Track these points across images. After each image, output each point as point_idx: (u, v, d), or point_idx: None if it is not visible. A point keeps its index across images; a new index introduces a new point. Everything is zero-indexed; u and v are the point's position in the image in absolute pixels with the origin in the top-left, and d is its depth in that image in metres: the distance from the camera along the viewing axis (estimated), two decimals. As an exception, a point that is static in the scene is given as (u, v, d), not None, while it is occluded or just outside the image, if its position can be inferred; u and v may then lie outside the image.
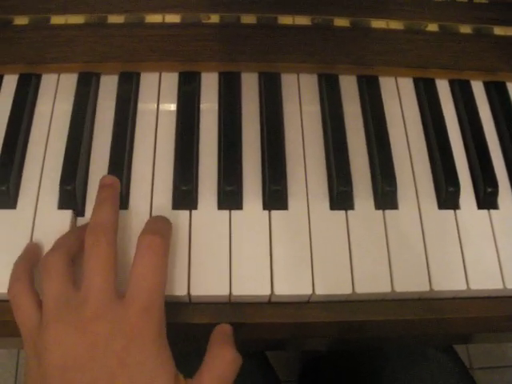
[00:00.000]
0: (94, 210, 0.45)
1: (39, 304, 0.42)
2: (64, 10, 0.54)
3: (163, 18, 0.55)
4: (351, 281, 0.49)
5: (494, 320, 0.51)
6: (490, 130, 0.57)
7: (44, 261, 0.43)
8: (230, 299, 0.48)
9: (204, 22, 0.56)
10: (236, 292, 0.47)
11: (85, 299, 0.40)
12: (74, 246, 0.44)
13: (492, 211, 0.53)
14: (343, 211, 0.51)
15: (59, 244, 0.45)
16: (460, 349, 1.14)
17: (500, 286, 0.50)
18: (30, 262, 0.45)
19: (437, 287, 0.49)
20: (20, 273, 0.44)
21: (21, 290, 0.43)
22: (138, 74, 0.56)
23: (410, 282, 0.49)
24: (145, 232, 0.44)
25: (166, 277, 0.43)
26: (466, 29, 0.57)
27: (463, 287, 0.50)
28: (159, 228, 0.46)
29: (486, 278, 0.50)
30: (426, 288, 0.49)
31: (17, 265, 0.45)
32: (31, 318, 0.41)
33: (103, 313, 0.39)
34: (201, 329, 0.48)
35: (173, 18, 0.56)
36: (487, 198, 0.53)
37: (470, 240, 0.51)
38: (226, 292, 0.47)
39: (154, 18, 0.55)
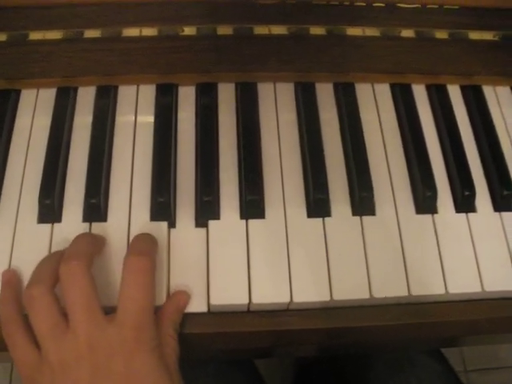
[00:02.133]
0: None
1: (35, 340, 0.42)
2: (41, 26, 0.55)
3: (140, 32, 0.56)
4: (329, 288, 0.49)
5: (474, 323, 0.51)
6: (466, 133, 0.57)
7: (28, 296, 0.43)
8: (208, 309, 0.48)
9: (180, 34, 0.56)
10: (214, 301, 0.48)
11: (75, 333, 0.41)
12: (54, 274, 0.44)
13: (470, 214, 0.53)
14: (320, 218, 0.51)
15: (39, 275, 0.44)
16: (454, 352, 1.14)
17: (478, 289, 0.50)
18: (16, 295, 0.45)
19: (415, 292, 0.50)
20: (9, 311, 0.44)
21: (15, 329, 0.43)
22: (116, 87, 0.57)
23: (389, 288, 0.49)
24: (130, 253, 0.45)
25: (154, 294, 0.44)
26: (441, 34, 0.58)
27: (441, 291, 0.50)
28: (144, 247, 0.47)
29: (464, 282, 0.50)
30: (405, 293, 0.49)
31: (3, 302, 0.45)
32: (29, 357, 0.42)
33: (96, 341, 0.40)
34: (181, 339, 0.48)
35: (149, 32, 0.56)
36: (464, 202, 0.53)
37: (448, 244, 0.52)
38: (204, 302, 0.48)
39: (130, 32, 0.56)
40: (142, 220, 0.50)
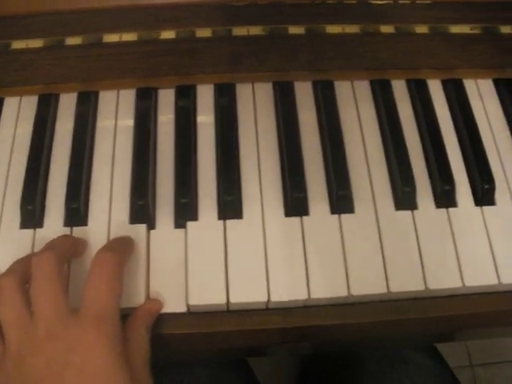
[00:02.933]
0: None
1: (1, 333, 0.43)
2: (23, 35, 0.56)
3: (119, 37, 0.57)
4: (307, 286, 0.49)
5: (455, 318, 0.51)
6: (447, 127, 0.57)
7: None
8: (188, 309, 0.49)
9: (159, 38, 0.57)
10: (192, 302, 0.48)
11: (36, 322, 0.41)
12: (28, 269, 0.44)
13: (450, 209, 0.53)
14: (298, 217, 0.51)
15: (12, 267, 0.45)
16: (459, 346, 1.13)
17: (459, 285, 0.50)
18: None
19: (394, 289, 0.49)
20: None
21: None
22: (97, 93, 0.57)
23: (367, 285, 0.49)
24: (100, 249, 0.46)
25: (119, 289, 0.44)
26: (421, 29, 0.57)
27: (421, 287, 0.50)
28: (115, 245, 0.48)
29: (444, 278, 0.50)
30: (384, 290, 0.49)
31: None
32: None
33: (55, 331, 0.41)
34: (162, 339, 0.49)
35: (128, 37, 0.57)
36: (444, 197, 0.53)
37: (428, 240, 0.51)
38: (183, 302, 0.48)
39: (110, 38, 0.57)
40: (121, 223, 0.51)
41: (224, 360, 0.66)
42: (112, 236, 0.51)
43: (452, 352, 1.11)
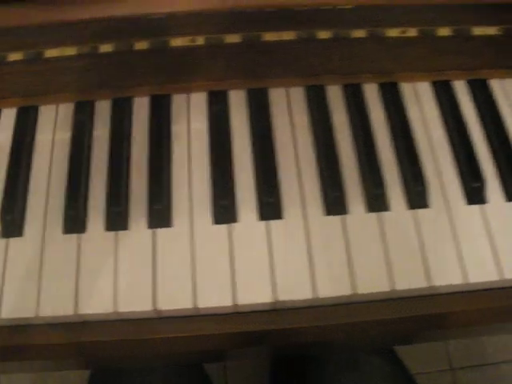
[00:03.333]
0: None
1: None
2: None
3: (59, 52, 0.58)
4: (232, 293, 0.49)
5: (388, 322, 0.51)
6: (382, 131, 0.57)
7: None
8: (118, 316, 0.50)
9: (98, 52, 0.58)
10: (121, 309, 0.49)
11: None
12: None
13: (383, 213, 0.53)
14: (226, 225, 0.52)
15: None
16: (440, 350, 1.12)
17: (387, 289, 0.50)
18: None
19: (322, 294, 0.50)
20: None
21: None
22: (37, 108, 0.59)
23: (294, 291, 0.50)
24: None
25: None
26: (356, 33, 0.57)
27: (348, 292, 0.50)
28: None
29: (374, 281, 0.50)
30: (310, 296, 0.50)
31: None
32: None
33: None
34: (93, 347, 0.50)
35: (68, 51, 0.58)
36: (376, 200, 0.53)
37: (358, 244, 0.51)
38: (112, 309, 0.49)
39: (50, 53, 0.58)
40: (54, 233, 0.52)
41: (181, 365, 0.67)
42: (46, 246, 0.52)
43: (432, 356, 1.10)
